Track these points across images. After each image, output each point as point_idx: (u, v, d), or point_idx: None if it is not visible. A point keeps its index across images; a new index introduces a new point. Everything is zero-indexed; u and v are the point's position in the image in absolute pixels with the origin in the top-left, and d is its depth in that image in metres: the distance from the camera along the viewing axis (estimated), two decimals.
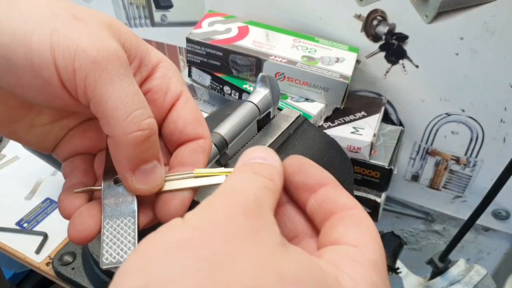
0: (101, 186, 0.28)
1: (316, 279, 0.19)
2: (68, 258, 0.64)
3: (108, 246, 0.26)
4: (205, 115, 0.80)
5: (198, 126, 0.29)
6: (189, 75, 0.78)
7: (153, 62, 0.28)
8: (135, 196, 0.27)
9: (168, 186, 0.28)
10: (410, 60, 0.75)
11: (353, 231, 0.23)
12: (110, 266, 0.26)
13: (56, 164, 0.71)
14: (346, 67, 0.71)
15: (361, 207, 0.25)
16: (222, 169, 0.29)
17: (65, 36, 0.22)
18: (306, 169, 0.26)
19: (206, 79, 0.76)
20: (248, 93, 0.72)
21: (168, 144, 0.30)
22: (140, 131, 0.24)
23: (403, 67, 0.76)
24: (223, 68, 0.73)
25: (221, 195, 0.22)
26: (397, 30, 0.73)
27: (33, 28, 0.22)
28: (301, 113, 0.50)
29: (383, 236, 0.63)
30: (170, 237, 0.19)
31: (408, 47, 0.74)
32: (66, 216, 0.28)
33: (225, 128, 0.40)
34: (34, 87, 0.23)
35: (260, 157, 0.25)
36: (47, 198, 0.77)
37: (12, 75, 0.22)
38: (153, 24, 0.99)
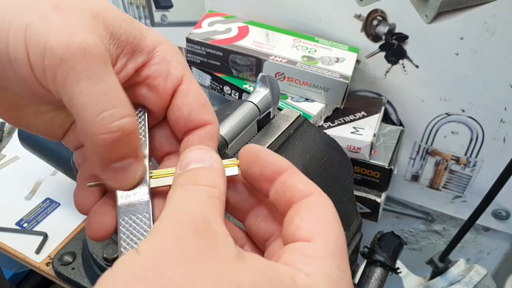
0: None
1: (272, 283, 0.20)
2: (68, 258, 0.64)
3: (125, 242, 0.26)
4: None
5: (204, 112, 0.28)
6: None
7: (149, 46, 0.27)
8: (148, 190, 0.27)
9: (158, 182, 0.27)
10: (410, 60, 0.75)
11: (307, 222, 0.23)
12: None
13: (56, 164, 0.71)
14: (346, 67, 0.71)
15: (319, 191, 0.25)
16: None
17: (37, 31, 0.21)
18: (261, 159, 0.25)
19: (206, 79, 0.76)
20: (248, 93, 0.72)
21: (175, 130, 0.29)
22: (108, 133, 0.23)
23: (403, 67, 0.76)
24: (223, 68, 0.73)
25: (168, 218, 0.22)
26: (397, 30, 0.73)
27: (11, 22, 0.21)
28: (301, 113, 0.50)
29: (383, 236, 0.63)
30: (124, 274, 0.19)
31: (408, 47, 0.74)
32: (83, 212, 0.28)
33: (225, 128, 0.40)
34: (17, 82, 0.23)
35: (196, 160, 0.25)
36: (47, 198, 0.77)
37: None
38: (153, 24, 0.99)
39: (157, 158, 0.31)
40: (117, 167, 0.25)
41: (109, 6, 0.25)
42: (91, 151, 0.24)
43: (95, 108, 0.22)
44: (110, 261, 0.56)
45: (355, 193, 0.75)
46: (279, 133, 0.46)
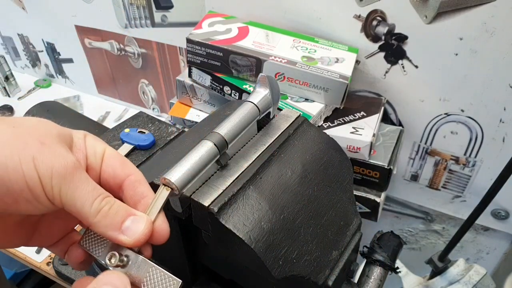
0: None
1: None
2: None
3: None
4: (205, 115, 0.80)
5: (125, 168, 0.36)
6: (189, 75, 0.78)
7: (80, 141, 0.36)
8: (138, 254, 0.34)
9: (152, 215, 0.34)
10: (410, 60, 0.75)
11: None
12: None
13: None
14: (345, 67, 0.71)
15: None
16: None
17: (43, 162, 0.30)
18: None
19: (206, 79, 0.76)
20: (248, 93, 0.72)
21: (111, 189, 0.36)
22: (101, 209, 0.32)
23: (403, 67, 0.76)
24: (223, 69, 0.74)
25: None
26: (396, 31, 0.73)
27: (19, 160, 0.30)
28: (301, 113, 0.50)
29: (383, 235, 0.63)
30: None
31: (407, 47, 0.74)
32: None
33: (225, 128, 0.41)
34: (28, 201, 0.31)
35: (110, 285, 0.30)
36: None
37: (9, 197, 0.30)
38: (154, 24, 0.99)
39: None
40: (128, 225, 0.33)
41: (56, 127, 0.34)
42: (104, 228, 0.33)
43: (90, 201, 0.32)
44: None
45: (355, 193, 0.75)
46: (279, 133, 0.47)
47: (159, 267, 0.33)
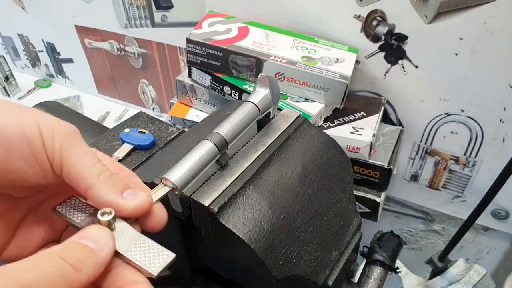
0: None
1: None
2: None
3: (146, 262, 0.29)
4: (205, 115, 0.80)
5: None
6: (189, 75, 0.78)
7: None
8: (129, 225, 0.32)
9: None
10: (410, 60, 0.75)
11: None
12: (160, 269, 0.29)
13: None
14: (345, 67, 0.71)
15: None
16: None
17: (44, 120, 0.30)
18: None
19: (206, 79, 0.76)
20: (248, 93, 0.72)
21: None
22: (104, 172, 0.31)
23: (403, 67, 0.76)
24: (223, 69, 0.74)
25: (7, 271, 0.23)
26: (396, 31, 0.73)
27: (22, 114, 0.29)
28: (301, 113, 0.50)
29: (383, 235, 0.63)
30: None
31: (407, 47, 0.74)
32: None
33: (225, 128, 0.41)
34: (23, 157, 0.29)
35: (91, 239, 0.28)
36: None
37: (4, 147, 0.28)
38: (154, 24, 0.99)
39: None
40: (129, 192, 0.31)
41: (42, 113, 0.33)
42: (103, 190, 0.30)
43: (92, 161, 0.31)
44: None
45: (355, 192, 0.75)
46: (279, 133, 0.47)
47: (150, 240, 0.31)
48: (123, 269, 0.29)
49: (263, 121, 0.47)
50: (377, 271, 0.58)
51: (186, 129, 0.66)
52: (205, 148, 0.39)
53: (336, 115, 0.75)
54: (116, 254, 0.29)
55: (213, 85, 0.76)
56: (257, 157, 0.43)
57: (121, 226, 0.31)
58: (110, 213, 0.30)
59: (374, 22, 0.74)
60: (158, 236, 0.33)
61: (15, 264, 0.24)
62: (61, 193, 0.34)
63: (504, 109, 0.73)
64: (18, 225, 0.33)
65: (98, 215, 0.30)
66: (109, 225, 0.30)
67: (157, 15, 0.97)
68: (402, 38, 0.73)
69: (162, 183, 0.36)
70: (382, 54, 0.77)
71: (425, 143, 0.85)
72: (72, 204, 0.33)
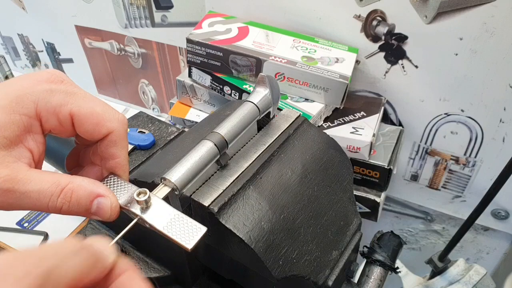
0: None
1: None
2: None
3: (181, 236, 0.32)
4: (205, 115, 0.80)
5: (101, 128, 0.36)
6: (189, 75, 0.78)
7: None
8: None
9: None
10: (410, 60, 0.75)
11: None
12: (194, 244, 0.33)
13: (56, 163, 0.71)
14: (345, 67, 0.71)
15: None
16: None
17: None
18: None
19: (206, 79, 0.76)
20: (248, 93, 0.72)
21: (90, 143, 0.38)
22: (61, 208, 0.32)
23: (403, 67, 0.76)
24: (223, 69, 0.74)
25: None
26: (396, 31, 0.73)
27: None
28: (301, 113, 0.50)
29: (383, 235, 0.63)
30: None
31: (407, 47, 0.74)
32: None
33: (225, 128, 0.41)
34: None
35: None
36: None
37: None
38: (154, 24, 0.99)
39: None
40: (94, 211, 0.33)
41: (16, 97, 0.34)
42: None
43: (45, 200, 0.31)
44: None
45: (355, 192, 0.76)
46: (279, 133, 0.47)
47: (185, 215, 0.33)
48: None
49: (263, 121, 0.47)
50: (377, 271, 0.58)
51: (186, 129, 0.66)
52: (205, 148, 0.39)
53: (336, 115, 0.75)
54: (154, 229, 0.32)
55: (213, 85, 0.76)
56: (257, 157, 0.43)
57: (157, 203, 0.34)
58: (146, 193, 0.33)
59: (374, 22, 0.74)
60: (158, 236, 0.33)
61: (34, 250, 0.23)
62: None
63: (504, 109, 0.73)
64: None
65: (135, 196, 0.33)
66: (146, 204, 0.33)
67: (157, 15, 0.97)
68: (402, 38, 0.73)
69: (163, 183, 0.36)
70: (382, 54, 0.77)
71: (425, 143, 0.85)
72: (111, 182, 0.36)
